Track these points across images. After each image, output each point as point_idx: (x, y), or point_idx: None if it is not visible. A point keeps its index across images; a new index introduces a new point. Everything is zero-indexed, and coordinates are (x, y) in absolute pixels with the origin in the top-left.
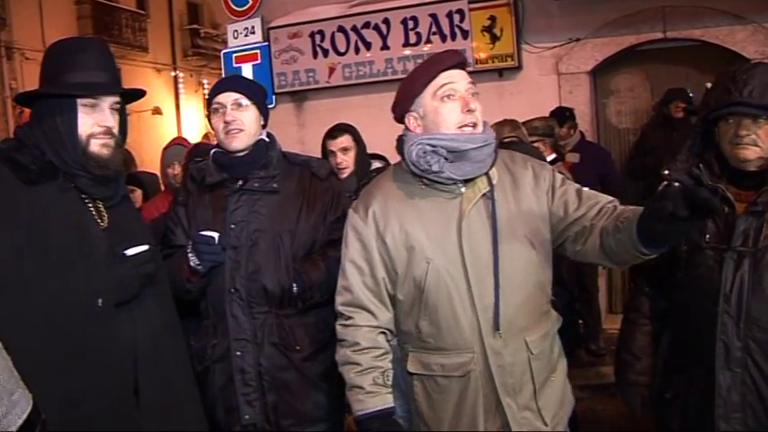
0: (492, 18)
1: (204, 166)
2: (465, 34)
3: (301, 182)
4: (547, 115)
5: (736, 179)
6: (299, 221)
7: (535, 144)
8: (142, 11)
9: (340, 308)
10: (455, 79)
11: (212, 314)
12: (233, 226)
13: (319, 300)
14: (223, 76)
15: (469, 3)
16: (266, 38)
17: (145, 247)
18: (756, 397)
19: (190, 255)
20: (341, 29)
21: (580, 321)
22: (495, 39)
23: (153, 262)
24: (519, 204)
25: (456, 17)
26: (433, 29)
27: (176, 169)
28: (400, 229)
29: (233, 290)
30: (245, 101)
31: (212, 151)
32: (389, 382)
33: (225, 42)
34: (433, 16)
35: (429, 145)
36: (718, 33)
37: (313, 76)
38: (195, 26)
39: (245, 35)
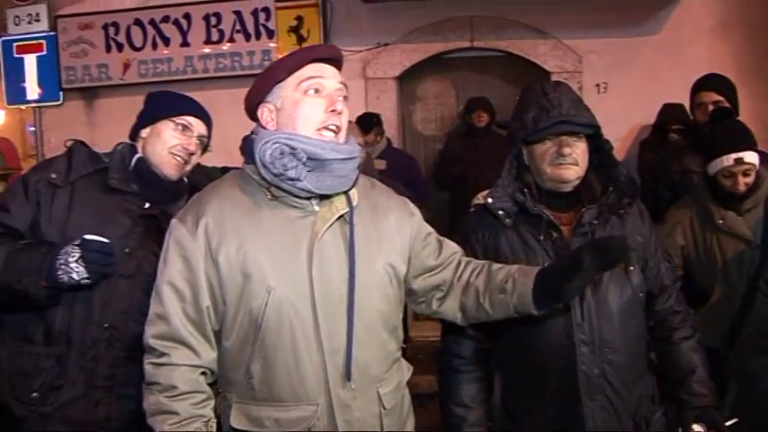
0: (299, 18)
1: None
2: (270, 34)
3: None
4: (353, 120)
5: (551, 201)
6: None
7: None
8: None
9: (152, 341)
10: (325, 74)
11: (67, 346)
12: (127, 250)
13: None
14: (1, 66)
15: (276, 1)
16: (53, 27)
17: None
18: (616, 420)
19: (72, 263)
20: (137, 22)
21: None
22: (301, 40)
23: None
24: (379, 233)
25: (262, 15)
26: (237, 27)
27: None
28: (238, 250)
29: (106, 325)
30: None
31: (137, 157)
32: None
33: (5, 29)
34: (238, 14)
35: (288, 146)
36: (522, 46)
37: (106, 71)
38: None
39: (29, 22)
